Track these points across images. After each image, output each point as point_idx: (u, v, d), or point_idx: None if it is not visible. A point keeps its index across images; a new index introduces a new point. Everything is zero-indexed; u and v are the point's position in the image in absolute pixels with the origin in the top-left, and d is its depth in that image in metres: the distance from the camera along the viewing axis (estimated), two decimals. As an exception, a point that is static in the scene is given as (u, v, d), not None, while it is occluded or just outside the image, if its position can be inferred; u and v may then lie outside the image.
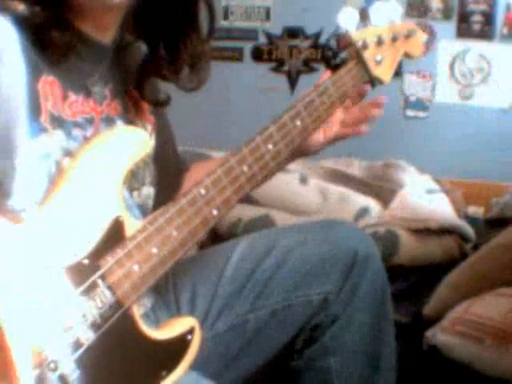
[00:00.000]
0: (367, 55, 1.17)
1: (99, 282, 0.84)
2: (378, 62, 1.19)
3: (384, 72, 1.20)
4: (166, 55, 1.04)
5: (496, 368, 1.48)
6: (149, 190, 1.09)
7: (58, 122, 0.91)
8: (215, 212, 0.97)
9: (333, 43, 3.29)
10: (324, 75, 1.16)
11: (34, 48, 0.88)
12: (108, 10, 0.94)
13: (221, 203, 0.97)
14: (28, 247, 0.78)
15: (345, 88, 1.14)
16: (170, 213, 0.92)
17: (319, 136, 1.16)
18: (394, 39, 1.21)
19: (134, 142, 0.91)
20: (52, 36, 0.89)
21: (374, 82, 1.20)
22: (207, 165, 1.18)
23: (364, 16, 1.17)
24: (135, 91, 1.07)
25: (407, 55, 1.26)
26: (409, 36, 1.23)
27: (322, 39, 3.35)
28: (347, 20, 1.15)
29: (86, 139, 0.94)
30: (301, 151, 1.16)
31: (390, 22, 1.20)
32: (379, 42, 1.18)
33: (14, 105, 0.86)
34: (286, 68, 3.44)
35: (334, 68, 1.17)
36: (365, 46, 1.16)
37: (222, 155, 1.00)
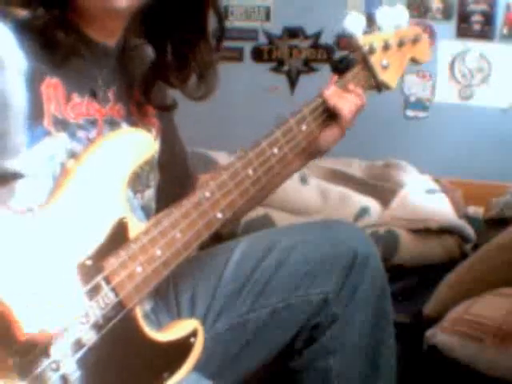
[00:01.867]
0: (374, 60, 1.17)
1: (102, 283, 0.84)
2: (385, 67, 1.18)
3: (390, 77, 1.20)
4: (173, 62, 1.03)
5: (496, 368, 1.48)
6: (152, 193, 1.09)
7: (62, 124, 0.91)
8: (220, 215, 0.97)
9: (334, 43, 3.29)
10: (331, 80, 1.16)
11: (38, 50, 0.88)
12: (113, 15, 0.94)
13: (225, 206, 0.97)
14: (33, 247, 0.78)
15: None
16: (175, 215, 0.92)
17: (332, 133, 1.15)
18: (401, 44, 1.21)
19: (138, 143, 0.91)
20: (57, 37, 0.89)
21: (380, 87, 1.20)
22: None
23: (371, 21, 1.17)
24: (140, 95, 1.06)
25: (414, 60, 1.25)
26: (416, 41, 1.23)
27: (322, 39, 3.35)
28: (354, 24, 1.15)
29: (90, 140, 0.94)
30: (316, 152, 1.17)
31: (396, 26, 1.20)
32: (386, 47, 1.18)
33: (12, 110, 0.86)
34: (286, 68, 3.44)
35: (341, 72, 1.16)
36: (371, 51, 1.16)
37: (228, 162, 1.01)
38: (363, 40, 1.16)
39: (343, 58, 1.19)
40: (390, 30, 1.19)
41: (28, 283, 0.73)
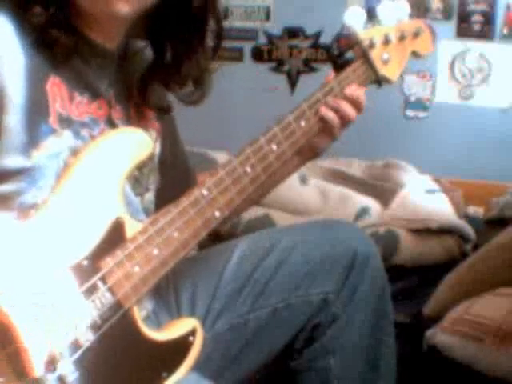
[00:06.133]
0: (374, 54, 1.16)
1: (99, 283, 0.84)
2: (385, 62, 1.17)
3: (391, 71, 1.19)
4: (172, 65, 1.03)
5: (496, 368, 1.48)
6: (152, 196, 1.09)
7: (67, 122, 0.91)
8: (217, 213, 0.96)
9: (334, 47, 3.29)
10: (329, 76, 1.15)
11: (39, 49, 0.89)
12: (114, 19, 0.94)
13: (223, 204, 0.97)
14: (30, 247, 0.78)
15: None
16: (172, 214, 0.92)
17: (323, 135, 1.14)
18: (402, 38, 1.20)
19: (134, 143, 0.91)
20: (54, 36, 0.89)
21: (380, 81, 1.19)
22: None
23: (371, 15, 1.17)
24: (139, 97, 1.06)
25: (416, 54, 1.25)
26: (417, 34, 1.22)
27: (322, 39, 3.35)
28: (354, 19, 1.14)
29: (93, 138, 0.94)
30: (311, 153, 1.17)
31: (397, 20, 1.19)
32: (386, 41, 1.17)
33: (13, 107, 0.86)
34: (286, 68, 3.44)
35: (340, 67, 1.15)
36: (371, 46, 1.15)
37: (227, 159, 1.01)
38: (363, 34, 1.15)
39: (342, 53, 1.18)
40: (391, 23, 1.19)
41: (25, 286, 0.73)
